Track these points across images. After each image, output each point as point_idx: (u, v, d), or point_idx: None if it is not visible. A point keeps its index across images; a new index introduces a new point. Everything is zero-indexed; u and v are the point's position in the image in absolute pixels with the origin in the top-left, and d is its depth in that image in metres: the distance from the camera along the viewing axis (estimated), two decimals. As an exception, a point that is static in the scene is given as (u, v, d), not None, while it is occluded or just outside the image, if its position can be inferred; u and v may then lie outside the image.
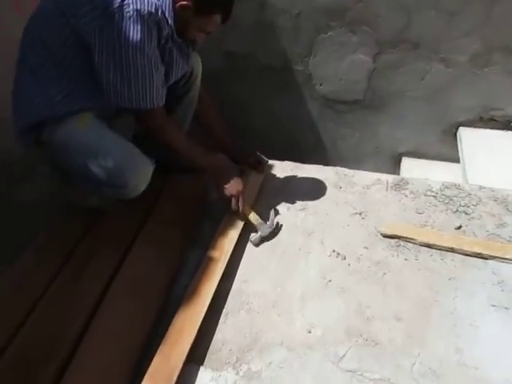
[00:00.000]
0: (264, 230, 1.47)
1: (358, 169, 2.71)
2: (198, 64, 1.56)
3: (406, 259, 1.40)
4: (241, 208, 1.47)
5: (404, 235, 1.46)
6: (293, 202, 1.63)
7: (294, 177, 1.77)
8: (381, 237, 1.48)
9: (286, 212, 1.60)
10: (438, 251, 1.42)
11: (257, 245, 1.46)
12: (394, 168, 2.64)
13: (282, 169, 1.82)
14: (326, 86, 2.45)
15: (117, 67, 1.19)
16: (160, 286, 1.30)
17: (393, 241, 1.46)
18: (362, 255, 1.42)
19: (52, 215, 1.55)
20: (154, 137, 1.34)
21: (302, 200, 1.64)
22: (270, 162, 1.85)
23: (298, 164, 1.85)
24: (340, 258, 1.41)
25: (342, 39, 2.27)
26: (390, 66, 2.27)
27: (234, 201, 1.46)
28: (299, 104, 2.55)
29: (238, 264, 1.40)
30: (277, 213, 1.56)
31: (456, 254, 1.40)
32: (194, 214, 1.56)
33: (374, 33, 2.20)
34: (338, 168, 1.81)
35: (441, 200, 1.61)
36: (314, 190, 1.69)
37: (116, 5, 1.16)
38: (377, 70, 2.31)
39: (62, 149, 1.25)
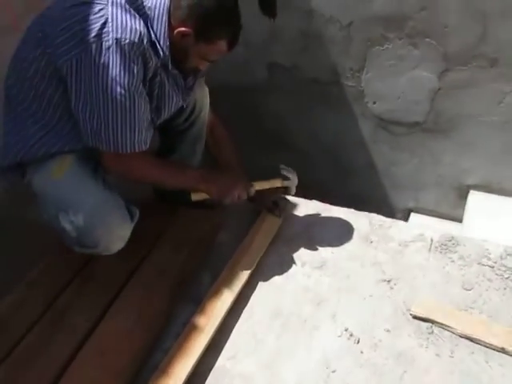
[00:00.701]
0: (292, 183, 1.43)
1: (417, 198, 2.40)
2: (203, 95, 1.36)
3: (437, 355, 1.10)
4: (252, 193, 1.33)
5: (440, 320, 1.15)
6: (310, 256, 1.39)
7: (319, 221, 1.52)
8: (410, 317, 1.19)
9: (299, 269, 1.35)
10: (483, 349, 1.10)
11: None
12: (460, 201, 2.24)
13: (307, 210, 1.58)
14: (380, 104, 2.12)
15: (94, 106, 1.03)
16: (135, 351, 1.15)
17: (424, 325, 1.16)
18: (380, 341, 1.14)
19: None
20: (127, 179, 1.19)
21: (322, 254, 1.39)
22: (295, 199, 1.61)
23: (326, 205, 1.58)
24: (352, 340, 1.15)
25: (400, 53, 1.93)
26: (459, 86, 1.89)
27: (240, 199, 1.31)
28: (348, 122, 2.25)
29: (229, 334, 1.20)
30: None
31: (508, 358, 1.07)
32: (192, 262, 1.39)
33: (441, 46, 1.83)
34: (374, 216, 1.51)
35: (499, 273, 1.26)
36: (338, 241, 1.43)
37: (94, 33, 1.01)
38: (442, 90, 1.94)
39: (38, 198, 1.14)
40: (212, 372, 1.12)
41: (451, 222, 2.33)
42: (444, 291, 1.24)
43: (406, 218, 2.45)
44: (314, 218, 1.52)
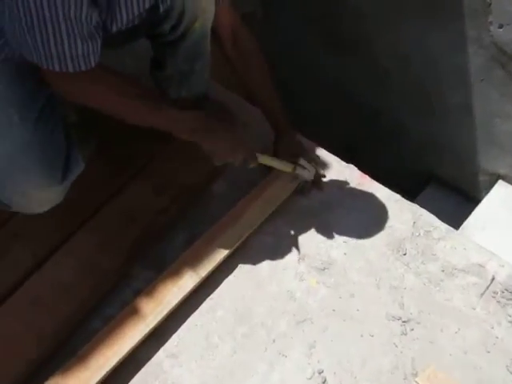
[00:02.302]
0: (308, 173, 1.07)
1: (507, 167, 1.81)
2: None
3: None
4: (252, 165, 0.98)
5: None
6: (315, 249, 1.04)
7: (346, 200, 1.11)
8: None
9: (294, 264, 1.02)
10: None
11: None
12: None
13: (336, 176, 1.16)
14: (508, 30, 1.44)
15: None
16: (69, 313, 0.96)
17: (425, 404, 0.84)
18: (357, 404, 0.85)
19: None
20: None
21: (331, 252, 1.03)
22: (326, 157, 1.20)
23: (365, 178, 1.15)
24: (322, 389, 0.87)
25: None
26: None
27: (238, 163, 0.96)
28: (454, 45, 1.60)
29: (180, 323, 0.96)
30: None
31: None
32: (170, 213, 1.10)
33: None
34: (424, 213, 1.07)
35: None
36: (359, 239, 1.04)
37: None
38: None
39: None
40: (145, 366, 0.92)
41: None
42: (477, 365, 0.87)
43: (490, 185, 1.91)
44: (341, 194, 1.12)
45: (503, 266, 0.97)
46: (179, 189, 1.14)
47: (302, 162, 1.05)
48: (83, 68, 0.75)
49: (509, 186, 1.88)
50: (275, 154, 1.12)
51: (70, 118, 1.07)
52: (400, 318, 0.93)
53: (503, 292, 0.94)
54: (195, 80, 1.05)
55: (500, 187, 1.89)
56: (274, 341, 0.93)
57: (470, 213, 1.84)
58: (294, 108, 1.33)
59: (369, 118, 2.14)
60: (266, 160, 1.01)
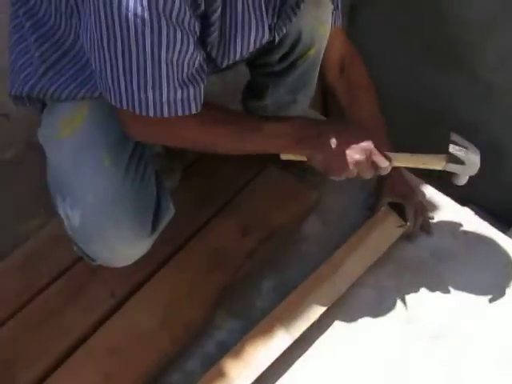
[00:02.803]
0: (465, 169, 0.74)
1: None
2: (319, 21, 0.74)
3: None
4: (388, 168, 0.75)
5: None
6: (424, 311, 0.89)
7: (463, 252, 0.95)
8: None
9: (399, 326, 0.88)
10: None
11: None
12: None
13: (451, 218, 1.00)
14: None
15: (94, 29, 0.59)
16: (148, 365, 0.89)
17: None
18: None
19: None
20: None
21: (445, 316, 0.88)
22: (437, 198, 1.04)
23: (485, 225, 0.98)
24: None
25: None
26: None
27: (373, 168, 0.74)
28: None
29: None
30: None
31: None
32: (259, 257, 1.01)
33: None
34: None
35: None
36: (480, 301, 0.88)
37: None
38: None
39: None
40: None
41: None
42: None
43: None
44: (456, 243, 0.96)
45: None
46: (267, 228, 1.03)
47: (455, 149, 0.75)
48: (180, 114, 0.66)
49: None
50: (378, 193, 0.99)
51: (156, 149, 1.01)
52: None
53: None
54: (294, 111, 0.94)
55: None
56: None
57: None
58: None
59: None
60: (403, 160, 0.75)
